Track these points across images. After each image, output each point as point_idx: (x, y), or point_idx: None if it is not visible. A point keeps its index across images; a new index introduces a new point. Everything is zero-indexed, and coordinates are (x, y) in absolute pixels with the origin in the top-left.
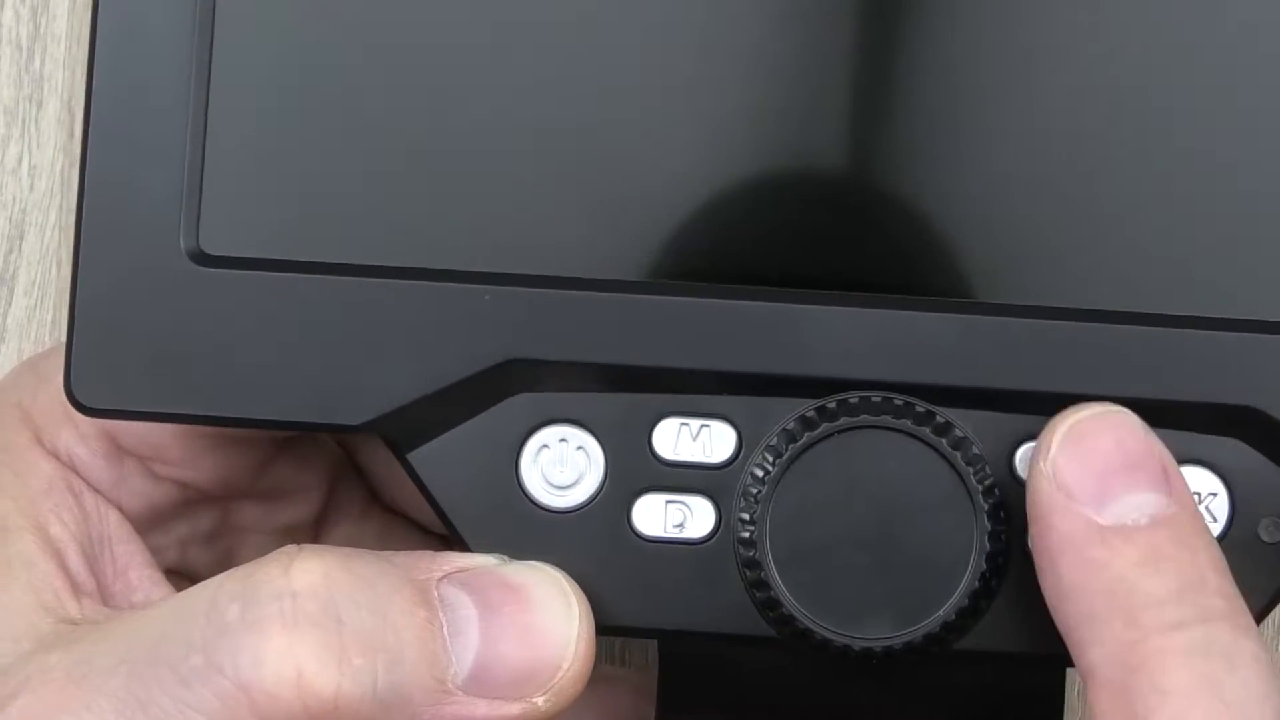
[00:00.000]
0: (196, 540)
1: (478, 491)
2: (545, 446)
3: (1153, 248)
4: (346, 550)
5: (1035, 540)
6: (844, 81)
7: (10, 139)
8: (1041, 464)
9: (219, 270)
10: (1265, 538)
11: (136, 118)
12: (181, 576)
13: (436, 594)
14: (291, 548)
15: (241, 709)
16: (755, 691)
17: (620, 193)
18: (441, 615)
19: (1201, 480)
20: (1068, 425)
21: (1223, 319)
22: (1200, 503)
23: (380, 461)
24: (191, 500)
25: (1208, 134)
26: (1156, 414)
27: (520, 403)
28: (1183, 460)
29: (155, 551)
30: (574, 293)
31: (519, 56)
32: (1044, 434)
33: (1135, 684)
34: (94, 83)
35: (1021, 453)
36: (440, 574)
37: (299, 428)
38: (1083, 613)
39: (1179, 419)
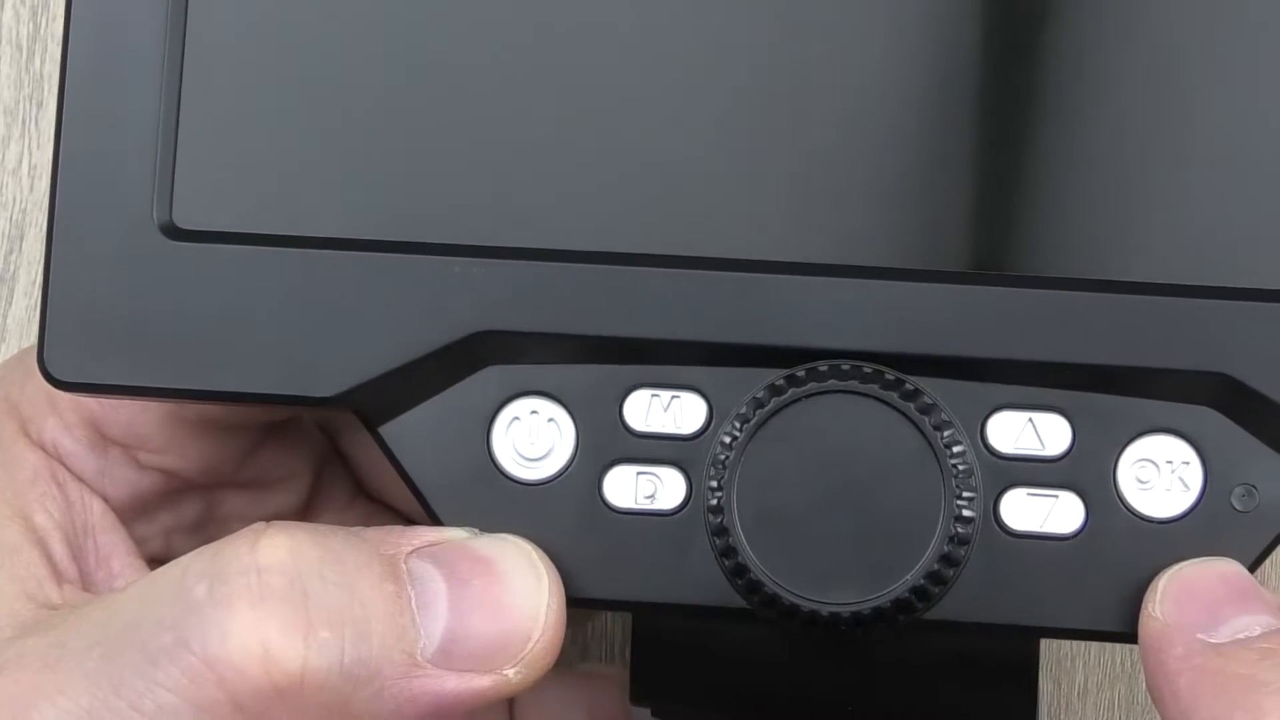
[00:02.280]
0: (182, 529)
1: (449, 464)
2: (516, 419)
3: (1126, 215)
4: (315, 526)
5: (1151, 673)
6: (812, 54)
7: (10, 139)
8: (1151, 608)
9: (192, 244)
10: (1239, 506)
11: (110, 91)
12: None
13: (405, 568)
14: (260, 524)
15: (209, 685)
16: (728, 668)
17: (590, 164)
18: (410, 589)
19: (1174, 449)
20: (1171, 573)
21: (1196, 286)
22: (1173, 471)
23: (364, 450)
24: (176, 489)
25: (1183, 102)
26: (1129, 382)
27: (491, 375)
28: (1155, 429)
29: (140, 540)
30: (544, 264)
31: (487, 27)
32: (1149, 591)
33: None
34: (68, 57)
35: (994, 421)
36: (409, 548)
37: (271, 400)
38: None
39: (1151, 387)
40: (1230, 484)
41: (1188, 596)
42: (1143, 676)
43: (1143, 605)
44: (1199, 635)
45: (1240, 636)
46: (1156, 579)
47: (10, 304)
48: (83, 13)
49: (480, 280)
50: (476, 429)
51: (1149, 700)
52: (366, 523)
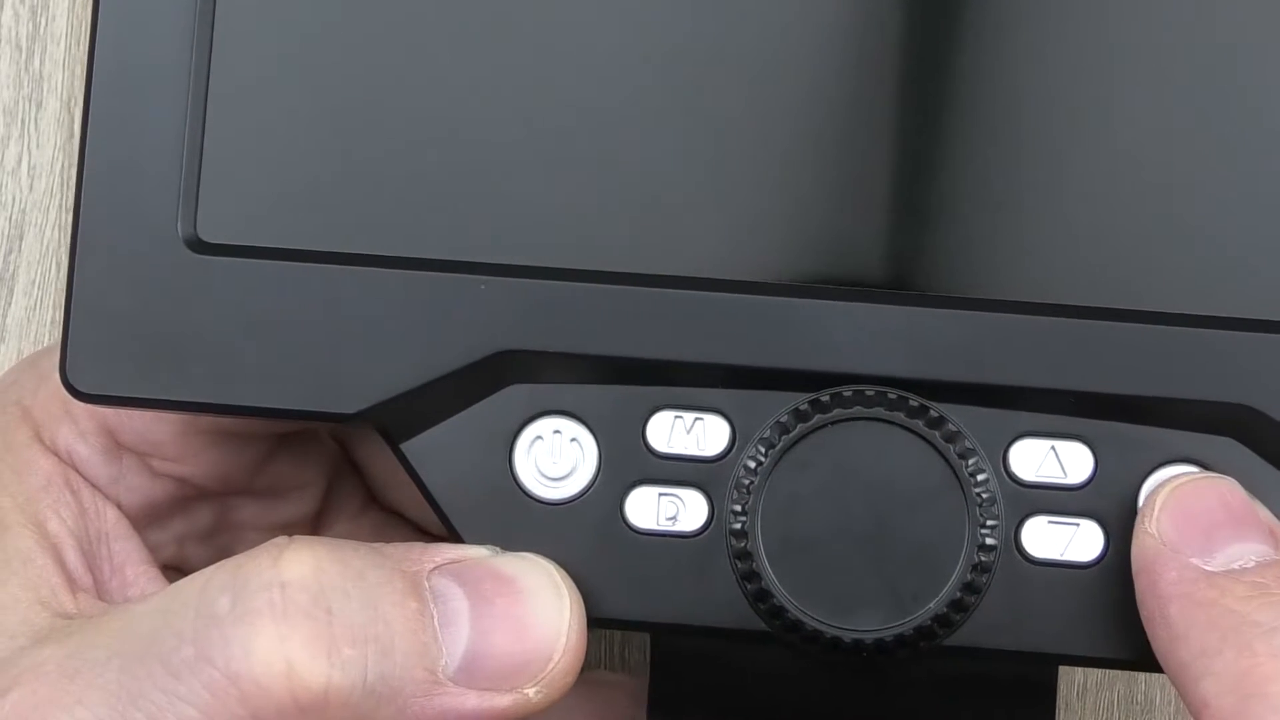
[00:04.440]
0: (194, 537)
1: (471, 482)
2: (539, 438)
3: (1149, 245)
4: (337, 541)
5: (1143, 594)
6: (835, 78)
7: (10, 139)
8: (1147, 524)
9: (216, 258)
10: None
11: (136, 104)
12: (179, 573)
13: (427, 585)
14: (282, 539)
15: (231, 700)
16: (746, 691)
17: (615, 185)
18: (432, 606)
19: None
20: (1170, 489)
21: (1219, 317)
22: None
23: (378, 459)
24: (189, 497)
25: (1204, 132)
26: (1151, 411)
27: (515, 394)
28: (1177, 458)
29: (153, 548)
30: (569, 284)
31: (515, 48)
32: (1147, 501)
33: (1251, 709)
34: (94, 69)
35: (1016, 449)
36: (431, 565)
37: (293, 416)
38: (1194, 650)
39: (1173, 417)
40: None
41: (1185, 517)
42: (1142, 678)
43: (1137, 519)
44: (1193, 560)
45: (1235, 566)
46: (1154, 494)
47: (10, 304)
48: (109, 25)
49: (505, 299)
50: (499, 447)
51: (1148, 700)
52: (379, 532)
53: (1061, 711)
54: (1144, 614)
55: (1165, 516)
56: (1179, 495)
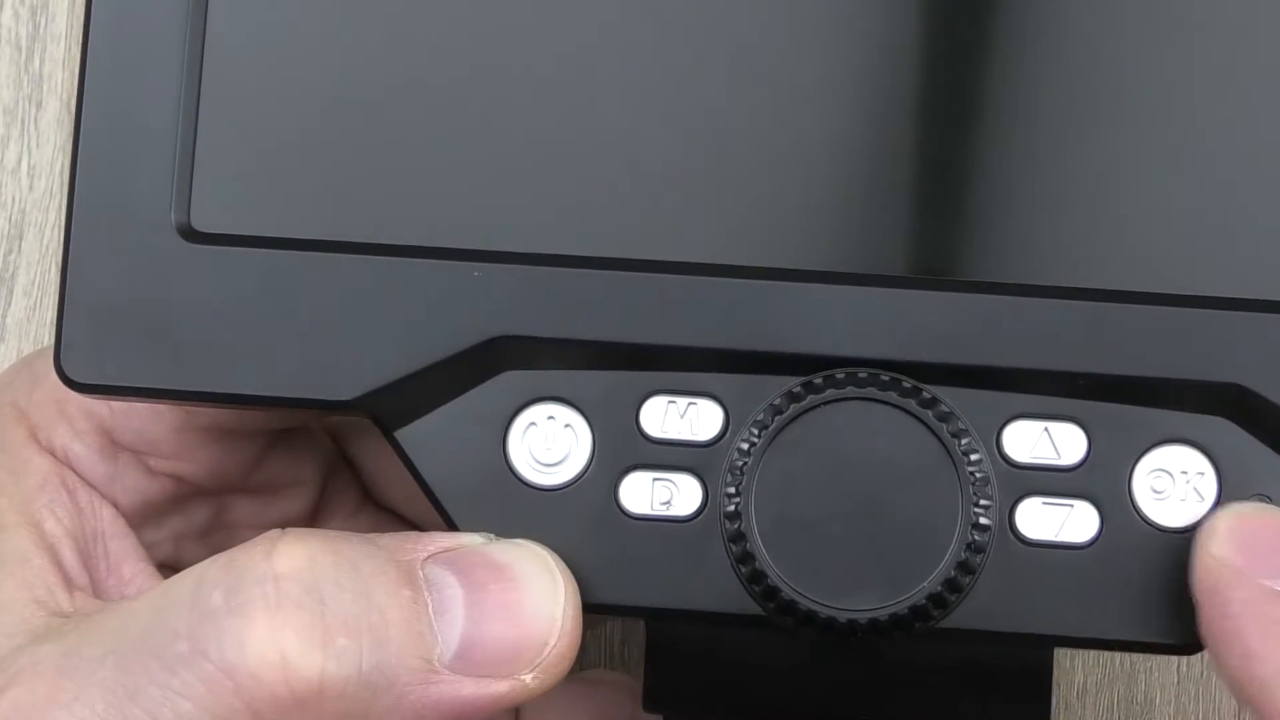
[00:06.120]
0: (190, 535)
1: (465, 469)
2: (533, 424)
3: (1142, 225)
4: (330, 533)
5: (1215, 620)
6: (821, 64)
7: (10, 139)
8: (1212, 549)
9: (209, 247)
10: None
11: (130, 93)
12: (175, 571)
13: (421, 574)
14: (275, 532)
15: (227, 693)
16: (742, 677)
17: (609, 169)
18: (427, 595)
19: (1189, 459)
20: (1230, 515)
21: (1212, 297)
22: (1187, 481)
23: (372, 457)
24: (185, 495)
25: (1198, 113)
26: (1144, 392)
27: (508, 380)
28: (1170, 439)
29: (149, 546)
30: (562, 270)
31: (504, 34)
32: (1206, 531)
33: None
34: (88, 59)
35: (1010, 430)
36: (425, 554)
37: (288, 404)
38: (1273, 670)
39: (1167, 398)
40: (1245, 494)
41: (1251, 540)
42: (1142, 677)
43: (1197, 544)
44: (1264, 581)
45: None
46: (1212, 519)
47: (9, 304)
48: (102, 15)
49: (498, 285)
50: (493, 434)
51: (1148, 700)
52: (374, 530)
53: (1061, 712)
54: (1212, 636)
55: (1229, 541)
56: (1240, 521)
